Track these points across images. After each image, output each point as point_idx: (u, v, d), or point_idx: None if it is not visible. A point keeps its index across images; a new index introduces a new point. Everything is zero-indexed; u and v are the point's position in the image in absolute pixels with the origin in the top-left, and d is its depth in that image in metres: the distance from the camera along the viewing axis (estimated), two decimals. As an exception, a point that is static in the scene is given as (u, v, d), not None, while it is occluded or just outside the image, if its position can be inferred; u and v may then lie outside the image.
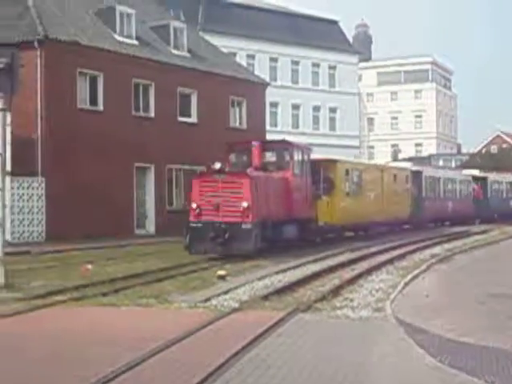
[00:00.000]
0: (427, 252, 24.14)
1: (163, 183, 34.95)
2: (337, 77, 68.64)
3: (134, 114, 33.85)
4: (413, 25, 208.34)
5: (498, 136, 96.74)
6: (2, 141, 15.30)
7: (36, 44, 29.45)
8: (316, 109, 67.30)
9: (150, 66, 34.46)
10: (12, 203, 26.89)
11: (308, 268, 18.65)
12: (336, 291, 14.28)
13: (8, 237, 22.80)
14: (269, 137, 37.00)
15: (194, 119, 37.20)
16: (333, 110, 68.40)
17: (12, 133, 24.26)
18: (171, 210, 34.26)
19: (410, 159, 63.73)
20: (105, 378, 7.44)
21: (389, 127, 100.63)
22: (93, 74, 31.91)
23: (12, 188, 26.96)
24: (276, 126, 60.72)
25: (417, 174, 39.58)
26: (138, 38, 35.36)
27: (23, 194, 28.45)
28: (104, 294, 13.69)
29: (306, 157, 25.58)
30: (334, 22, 71.71)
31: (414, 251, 24.01)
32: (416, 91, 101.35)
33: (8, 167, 20.67)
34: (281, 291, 14.15)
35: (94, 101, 32.09)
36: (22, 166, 26.93)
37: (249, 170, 22.39)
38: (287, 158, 24.80)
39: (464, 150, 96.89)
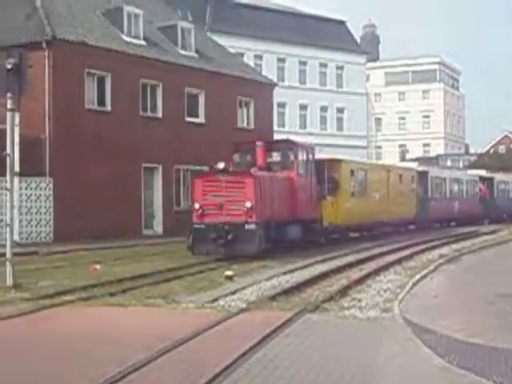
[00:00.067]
0: (435, 252, 24.06)
1: (171, 183, 34.98)
2: (344, 77, 68.58)
3: (141, 115, 33.91)
4: (420, 25, 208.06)
5: (506, 136, 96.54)
6: (10, 141, 15.33)
7: (44, 45, 29.55)
8: (323, 109, 67.27)
9: (158, 67, 34.50)
10: (20, 204, 26.95)
11: (315, 268, 18.63)
12: (344, 291, 14.25)
13: (16, 237, 22.85)
14: (276, 137, 36.97)
15: (201, 119, 37.23)
16: (340, 111, 68.36)
17: (20, 133, 24.29)
18: (179, 210, 34.27)
19: (417, 159, 63.60)
20: (112, 377, 7.44)
21: (396, 127, 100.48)
22: (100, 74, 31.98)
23: (20, 188, 27.01)
24: (283, 126, 60.69)
25: (423, 174, 39.41)
26: (145, 39, 35.42)
27: (31, 195, 28.53)
28: (112, 294, 13.71)
29: (310, 156, 25.36)
30: (342, 23, 71.69)
31: (421, 251, 23.94)
32: (424, 91, 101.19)
33: (16, 168, 20.66)
34: (288, 291, 14.12)
35: (101, 101, 32.16)
36: (30, 167, 26.96)
37: (253, 170, 22.22)
38: (292, 157, 24.63)
39: (472, 151, 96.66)
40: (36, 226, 28.65)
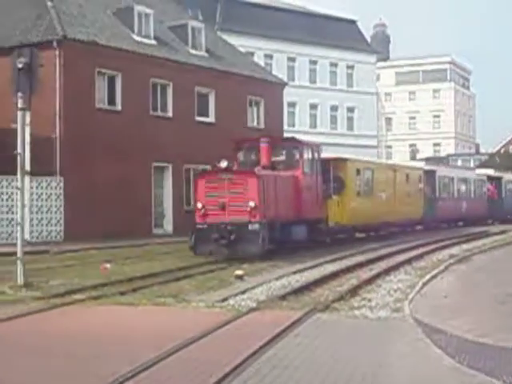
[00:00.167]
0: (445, 252, 24.00)
1: (181, 183, 35.01)
2: (355, 76, 68.49)
3: (151, 114, 33.96)
4: (431, 24, 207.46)
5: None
6: (21, 140, 15.38)
7: (55, 44, 29.64)
8: (334, 108, 67.20)
9: (168, 66, 34.55)
10: (31, 203, 27.02)
11: (325, 268, 18.61)
12: (354, 291, 14.22)
13: (27, 236, 22.91)
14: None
15: (211, 119, 37.26)
16: (351, 110, 68.26)
17: (31, 132, 24.38)
18: (189, 209, 34.19)
19: (427, 159, 63.42)
20: (123, 376, 7.45)
21: (407, 127, 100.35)
22: (111, 73, 32.05)
23: (31, 187, 27.08)
24: (294, 125, 60.67)
25: (430, 174, 39.15)
26: (156, 38, 35.46)
27: (42, 194, 28.62)
28: (122, 293, 13.73)
29: (316, 155, 24.96)
30: (352, 22, 71.62)
31: (431, 251, 23.86)
32: (434, 91, 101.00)
33: (27, 167, 20.75)
34: (298, 291, 14.11)
35: (112, 100, 32.24)
36: (41, 166, 27.02)
37: (256, 169, 21.76)
38: (297, 156, 24.18)
39: (482, 150, 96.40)
40: (47, 224, 28.74)
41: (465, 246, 26.67)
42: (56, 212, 29.08)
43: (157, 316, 11.79)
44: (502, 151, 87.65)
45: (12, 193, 26.33)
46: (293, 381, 7.60)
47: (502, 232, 36.09)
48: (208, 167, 31.87)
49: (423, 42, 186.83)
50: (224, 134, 35.49)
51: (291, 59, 63.92)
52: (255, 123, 40.33)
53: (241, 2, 61.17)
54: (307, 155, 24.45)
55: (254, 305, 12.40)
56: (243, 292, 14.01)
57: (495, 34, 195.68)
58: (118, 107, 32.41)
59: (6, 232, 26.90)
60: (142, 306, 12.49)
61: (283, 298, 13.11)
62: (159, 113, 34.54)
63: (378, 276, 17.00)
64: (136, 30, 34.50)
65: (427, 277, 16.59)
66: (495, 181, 49.33)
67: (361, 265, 19.39)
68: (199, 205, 21.08)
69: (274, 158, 23.71)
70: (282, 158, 24.51)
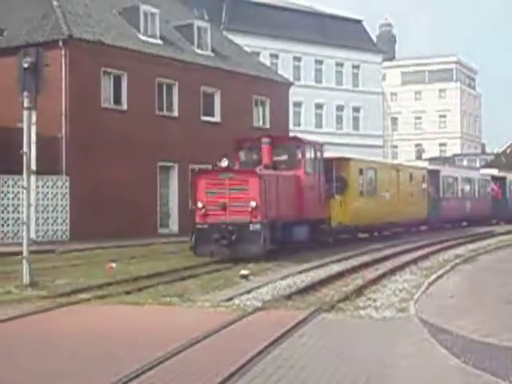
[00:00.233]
0: (451, 252, 23.96)
1: (186, 182, 34.97)
2: (360, 76, 68.44)
3: (157, 114, 33.99)
4: (437, 24, 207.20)
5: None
6: (27, 140, 15.41)
7: (61, 43, 29.68)
8: (339, 108, 67.15)
9: (174, 66, 34.58)
10: (37, 202, 27.05)
11: (331, 268, 18.60)
12: (359, 291, 14.21)
13: (33, 235, 22.94)
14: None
15: (217, 118, 37.27)
16: (356, 110, 68.21)
17: (37, 132, 24.43)
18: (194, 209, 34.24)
19: (433, 159, 63.30)
20: (128, 376, 7.46)
21: (413, 127, 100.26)
22: (117, 73, 32.08)
23: (37, 187, 27.11)
24: (299, 125, 60.65)
25: (434, 174, 38.98)
26: (161, 38, 35.49)
27: (48, 193, 28.65)
28: (128, 293, 13.75)
29: (318, 154, 24.68)
30: (358, 22, 71.58)
31: (437, 252, 23.83)
32: (440, 91, 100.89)
33: (33, 166, 20.78)
34: (304, 291, 14.10)
35: (117, 100, 32.28)
36: (47, 165, 27.07)
37: (258, 168, 21.39)
38: (299, 155, 23.79)
39: (488, 150, 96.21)
40: (52, 224, 28.78)
41: (470, 246, 26.62)
42: (62, 211, 29.12)
43: (162, 315, 11.81)
44: (508, 151, 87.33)
45: (18, 192, 26.36)
46: (298, 381, 7.60)
47: (508, 232, 35.99)
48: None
49: (429, 42, 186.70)
50: (230, 133, 35.41)
51: (297, 59, 63.90)
52: (261, 123, 40.33)
53: (246, 2, 61.18)
54: (309, 154, 24.13)
55: (260, 304, 12.40)
56: (248, 291, 14.01)
57: (501, 33, 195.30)
58: (124, 107, 32.45)
59: (12, 231, 26.95)
60: (147, 305, 12.50)
61: (289, 297, 13.10)
62: (165, 112, 34.57)
63: (383, 276, 16.98)
64: (142, 29, 34.54)
65: (433, 277, 16.57)
66: (499, 181, 49.21)
67: (366, 265, 19.36)
68: (200, 204, 20.78)
69: (275, 158, 23.42)
70: (284, 157, 24.12)
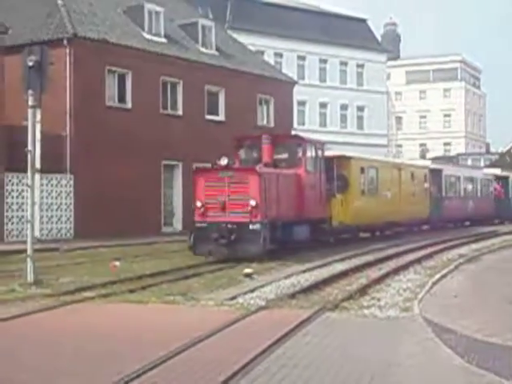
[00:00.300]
0: (454, 252, 23.94)
1: (190, 181, 34.91)
2: (365, 75, 68.33)
3: (161, 112, 34.00)
4: (442, 23, 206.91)
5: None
6: (31, 138, 15.43)
7: (65, 42, 29.71)
8: (344, 107, 67.06)
9: (179, 64, 34.58)
10: (41, 200, 27.08)
11: (334, 267, 18.59)
12: (363, 290, 14.21)
13: (37, 234, 22.95)
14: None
15: (221, 117, 37.28)
16: (361, 109, 68.11)
17: (41, 130, 24.47)
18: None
19: (437, 158, 63.19)
20: (131, 374, 7.46)
21: (417, 126, 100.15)
22: (121, 71, 32.11)
23: (41, 185, 27.13)
24: (303, 124, 60.59)
25: (436, 173, 38.72)
26: (166, 36, 35.50)
27: (52, 191, 28.69)
28: (131, 291, 13.77)
29: (319, 153, 24.41)
30: (363, 21, 71.46)
31: (440, 251, 23.80)
32: (445, 90, 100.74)
33: (37, 164, 20.84)
34: (307, 290, 14.10)
35: (122, 98, 32.30)
36: (51, 163, 27.15)
37: (258, 167, 21.09)
38: (299, 154, 23.49)
39: (493, 150, 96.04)
40: (56, 222, 28.82)
41: (474, 246, 26.58)
42: (66, 210, 29.16)
43: (166, 314, 11.81)
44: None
45: (22, 190, 26.39)
46: (302, 380, 7.59)
47: (511, 232, 35.93)
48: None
49: (434, 41, 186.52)
50: (234, 132, 35.42)
51: (301, 58, 63.82)
52: (265, 122, 40.32)
53: (251, 1, 61.12)
54: (310, 153, 23.87)
55: (263, 303, 12.40)
56: (252, 290, 14.01)
57: (506, 33, 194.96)
58: (129, 105, 32.47)
59: (17, 229, 27.00)
60: (151, 303, 12.51)
61: (292, 296, 13.10)
62: (169, 111, 34.58)
63: (387, 275, 16.98)
64: (146, 28, 34.56)
65: (437, 276, 16.56)
66: (502, 180, 49.09)
67: (370, 264, 19.35)
68: (198, 203, 20.55)
69: (276, 156, 23.16)
70: (285, 155, 23.77)
